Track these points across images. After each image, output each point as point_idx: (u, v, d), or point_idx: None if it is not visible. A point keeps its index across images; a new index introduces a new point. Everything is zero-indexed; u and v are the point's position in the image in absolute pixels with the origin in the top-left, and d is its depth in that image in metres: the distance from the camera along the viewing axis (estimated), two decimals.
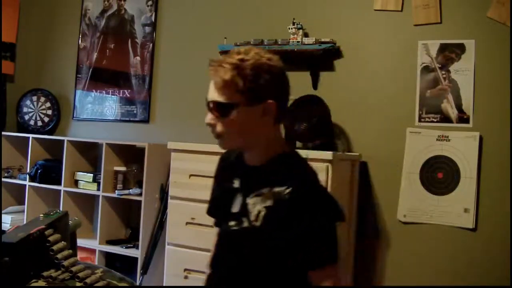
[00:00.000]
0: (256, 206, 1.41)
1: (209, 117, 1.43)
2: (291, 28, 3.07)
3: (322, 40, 3.01)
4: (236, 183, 1.51)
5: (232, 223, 1.47)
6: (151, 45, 3.75)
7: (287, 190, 1.36)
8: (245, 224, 1.43)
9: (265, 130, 1.44)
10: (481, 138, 2.73)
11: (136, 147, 3.57)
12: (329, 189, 2.55)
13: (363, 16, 3.04)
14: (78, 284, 1.33)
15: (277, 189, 1.38)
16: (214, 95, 1.41)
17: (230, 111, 1.39)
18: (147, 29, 3.77)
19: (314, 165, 2.71)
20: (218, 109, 1.41)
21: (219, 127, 1.42)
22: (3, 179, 3.89)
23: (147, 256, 3.31)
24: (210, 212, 1.68)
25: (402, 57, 2.95)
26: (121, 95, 3.86)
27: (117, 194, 3.44)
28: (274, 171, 1.43)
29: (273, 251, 1.38)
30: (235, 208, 1.47)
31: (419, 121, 2.88)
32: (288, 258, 1.37)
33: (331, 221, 1.39)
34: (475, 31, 2.77)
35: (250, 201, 1.43)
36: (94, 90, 3.99)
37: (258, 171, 1.47)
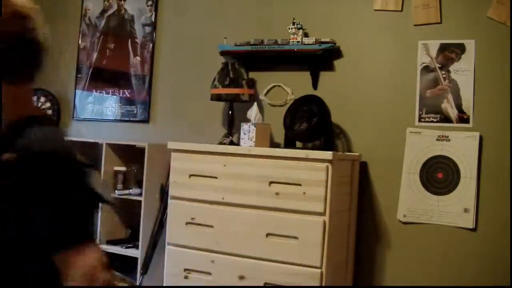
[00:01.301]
0: None
1: None
2: (291, 28, 3.07)
3: (322, 40, 3.01)
4: None
5: None
6: (151, 45, 3.75)
7: (14, 156, 1.08)
8: None
9: None
10: (481, 138, 2.73)
11: (136, 147, 3.57)
12: (329, 189, 2.55)
13: (363, 16, 3.04)
14: None
15: (4, 156, 1.08)
16: None
17: None
18: (147, 29, 3.77)
19: (314, 165, 2.67)
20: None
21: None
22: None
23: (147, 256, 3.31)
24: None
25: (402, 57, 2.94)
26: (121, 95, 3.86)
27: (117, 194, 3.44)
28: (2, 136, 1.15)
29: (6, 236, 1.07)
30: None
31: (419, 121, 2.88)
32: (26, 240, 1.07)
33: (79, 191, 1.13)
34: (475, 31, 2.77)
35: None
36: (94, 90, 3.99)
37: None
